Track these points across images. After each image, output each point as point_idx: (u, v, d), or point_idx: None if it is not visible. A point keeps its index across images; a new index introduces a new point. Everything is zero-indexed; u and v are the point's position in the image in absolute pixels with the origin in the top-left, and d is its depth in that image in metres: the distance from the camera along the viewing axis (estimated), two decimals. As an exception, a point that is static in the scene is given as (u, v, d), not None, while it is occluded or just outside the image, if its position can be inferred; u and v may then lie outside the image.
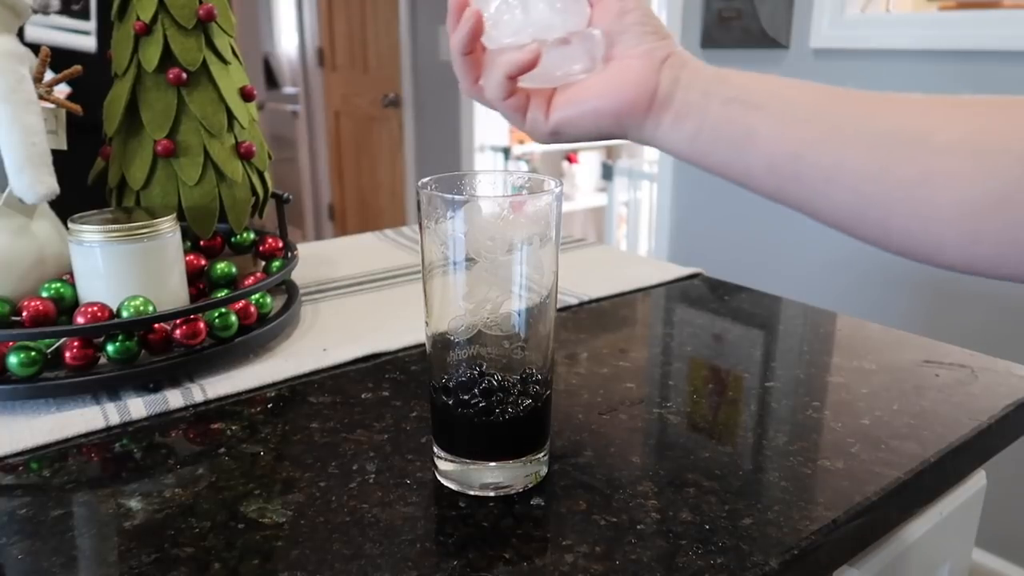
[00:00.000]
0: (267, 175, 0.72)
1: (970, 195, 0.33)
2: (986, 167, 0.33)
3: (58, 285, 0.58)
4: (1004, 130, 0.33)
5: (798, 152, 0.38)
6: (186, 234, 0.65)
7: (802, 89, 0.40)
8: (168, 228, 0.58)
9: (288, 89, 4.27)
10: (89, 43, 1.02)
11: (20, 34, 0.61)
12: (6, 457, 0.47)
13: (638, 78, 0.41)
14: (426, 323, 0.44)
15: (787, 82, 0.40)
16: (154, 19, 0.62)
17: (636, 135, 0.43)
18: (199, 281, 0.66)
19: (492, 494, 0.43)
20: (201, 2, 0.64)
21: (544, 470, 0.45)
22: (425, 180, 0.41)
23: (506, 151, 2.79)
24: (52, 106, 0.61)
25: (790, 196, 0.40)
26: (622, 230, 2.88)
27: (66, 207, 0.60)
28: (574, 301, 0.75)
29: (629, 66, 0.42)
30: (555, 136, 0.44)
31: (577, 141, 0.45)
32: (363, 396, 0.56)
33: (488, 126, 2.79)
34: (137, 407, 0.53)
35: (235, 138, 0.67)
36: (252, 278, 0.65)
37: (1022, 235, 0.33)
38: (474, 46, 0.43)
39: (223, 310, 0.59)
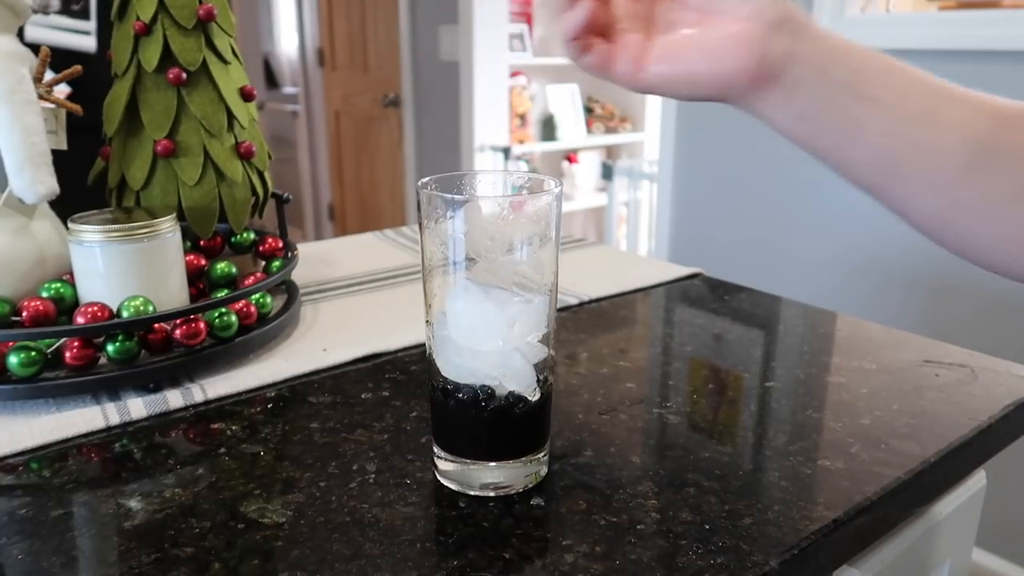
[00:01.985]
0: (267, 175, 0.72)
1: None
2: None
3: (58, 285, 0.58)
4: None
5: (903, 154, 0.36)
6: (186, 234, 0.65)
7: (915, 82, 0.37)
8: (168, 228, 0.58)
9: (288, 89, 4.27)
10: (89, 43, 1.02)
11: (20, 34, 0.61)
12: (6, 457, 0.47)
13: (741, 47, 0.37)
14: (426, 323, 0.44)
15: (902, 69, 0.37)
16: (154, 19, 0.62)
17: (737, 105, 0.39)
18: (199, 281, 0.66)
19: (492, 494, 0.43)
20: (201, 2, 0.64)
21: (544, 470, 0.45)
22: (425, 180, 0.41)
23: (506, 151, 2.79)
24: (52, 106, 0.61)
25: (887, 195, 0.38)
26: (622, 230, 2.88)
27: (66, 207, 0.60)
28: (574, 301, 0.75)
29: (732, 30, 0.37)
30: (646, 92, 0.40)
31: (674, 98, 0.41)
32: (363, 396, 0.56)
33: (488, 126, 2.79)
34: (137, 407, 0.53)
35: (235, 138, 0.67)
36: (252, 278, 0.65)
37: None
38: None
39: (223, 310, 0.59)
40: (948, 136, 0.36)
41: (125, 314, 0.54)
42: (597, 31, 0.40)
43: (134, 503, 0.43)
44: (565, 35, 0.39)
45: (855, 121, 0.37)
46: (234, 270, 0.66)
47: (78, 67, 0.62)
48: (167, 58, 0.63)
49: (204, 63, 0.64)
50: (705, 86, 0.38)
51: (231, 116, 0.66)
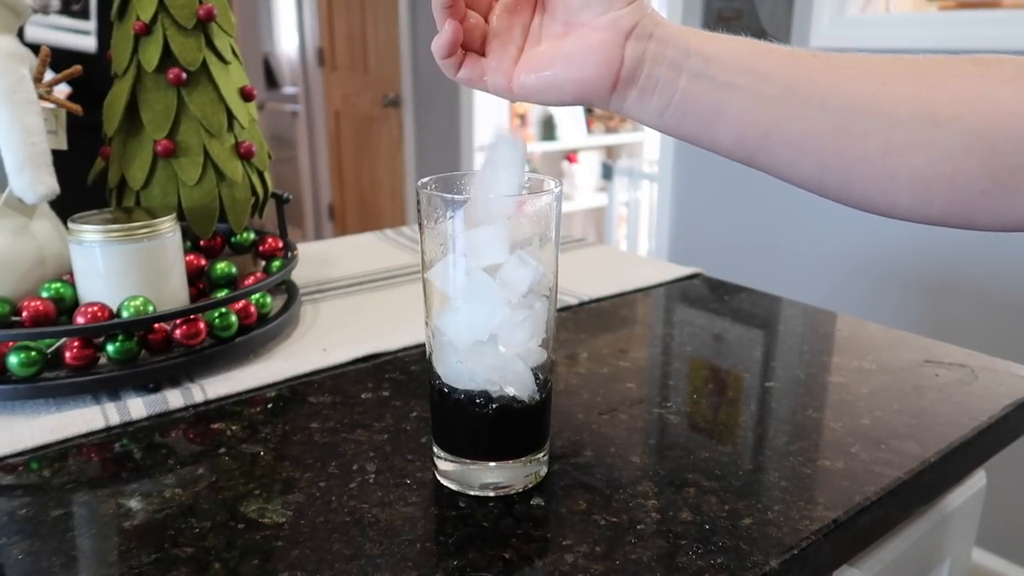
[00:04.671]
0: (267, 175, 0.72)
1: (924, 165, 0.36)
2: (939, 140, 0.35)
3: (58, 285, 0.58)
4: (959, 100, 0.35)
5: (766, 129, 0.39)
6: (186, 234, 0.65)
7: (772, 60, 0.39)
8: (168, 228, 0.58)
9: (288, 89, 4.27)
10: (89, 43, 1.02)
11: (20, 34, 0.61)
12: (6, 457, 0.47)
13: (600, 55, 0.40)
14: (426, 323, 0.44)
15: (759, 52, 0.39)
16: (154, 19, 0.62)
17: (602, 107, 0.42)
18: (199, 281, 0.66)
19: (492, 494, 0.43)
20: (201, 2, 0.64)
21: (544, 470, 0.45)
22: (425, 180, 0.41)
23: (506, 151, 2.79)
24: (52, 106, 0.61)
25: (758, 164, 0.41)
26: (622, 230, 2.88)
27: (66, 207, 0.60)
28: (574, 301, 0.75)
29: (592, 40, 0.40)
30: (519, 100, 0.43)
31: (543, 105, 0.44)
32: (363, 396, 0.56)
33: (488, 126, 2.79)
34: (137, 407, 0.53)
35: (235, 138, 0.67)
36: (252, 278, 0.65)
37: (971, 198, 0.36)
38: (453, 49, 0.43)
39: (223, 310, 0.59)
40: (807, 110, 0.38)
41: (125, 314, 0.54)
42: (471, 46, 0.43)
43: (134, 503, 0.43)
44: (437, 54, 0.42)
45: (714, 107, 0.39)
46: (234, 270, 0.66)
47: (78, 67, 0.62)
48: (167, 58, 0.63)
49: (204, 63, 0.64)
50: (569, 92, 0.41)
51: (231, 116, 0.66)
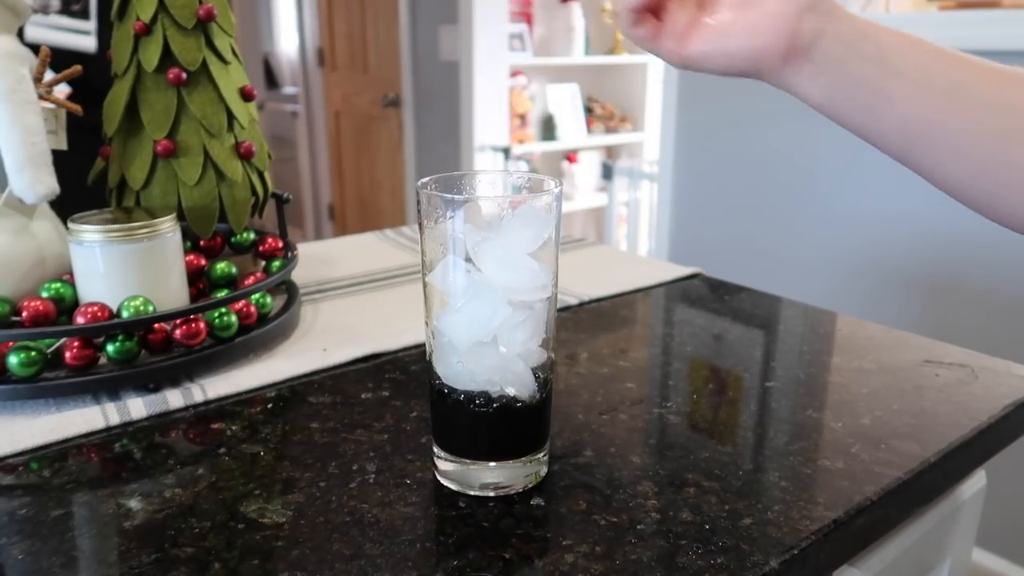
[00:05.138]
0: (267, 175, 0.72)
1: None
2: None
3: (58, 285, 0.58)
4: None
5: (931, 122, 0.39)
6: (186, 234, 0.65)
7: (941, 57, 0.40)
8: (168, 228, 0.58)
9: (288, 89, 4.27)
10: (89, 43, 1.02)
11: (20, 34, 0.61)
12: (6, 457, 0.47)
13: (777, 25, 0.40)
14: (426, 323, 0.44)
15: (928, 47, 0.40)
16: (154, 19, 0.62)
17: (770, 80, 0.43)
18: (199, 281, 0.66)
19: (492, 494, 0.43)
20: (201, 2, 0.64)
21: (544, 470, 0.45)
22: (425, 180, 0.41)
23: (506, 151, 2.79)
24: (52, 106, 0.61)
25: (914, 161, 0.41)
26: (622, 230, 2.88)
27: (66, 207, 0.60)
28: (574, 301, 0.75)
29: (770, 9, 0.40)
30: (687, 67, 0.44)
31: (712, 73, 0.44)
32: (363, 396, 0.56)
33: (488, 126, 2.79)
34: (137, 407, 0.53)
35: (235, 138, 0.67)
36: (252, 278, 0.65)
37: None
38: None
39: (223, 310, 0.59)
40: (975, 109, 0.38)
41: (125, 314, 0.54)
42: (651, 7, 0.44)
43: (134, 503, 0.43)
44: (629, 6, 0.43)
45: (883, 94, 0.40)
46: (234, 270, 0.66)
47: (78, 67, 0.62)
48: (167, 58, 0.63)
49: (204, 63, 0.64)
50: (742, 59, 0.42)
51: (231, 116, 0.66)
